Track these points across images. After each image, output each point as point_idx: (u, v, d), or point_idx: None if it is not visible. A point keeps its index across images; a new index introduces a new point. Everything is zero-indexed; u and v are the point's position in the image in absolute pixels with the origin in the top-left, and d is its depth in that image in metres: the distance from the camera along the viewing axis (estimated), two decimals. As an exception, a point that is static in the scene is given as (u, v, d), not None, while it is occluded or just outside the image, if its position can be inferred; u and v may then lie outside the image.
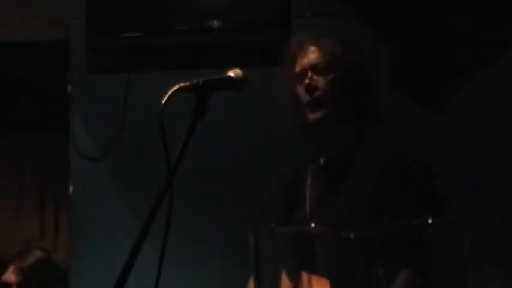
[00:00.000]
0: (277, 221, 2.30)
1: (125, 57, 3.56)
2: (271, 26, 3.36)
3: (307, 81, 2.10)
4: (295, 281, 1.27)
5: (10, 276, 3.20)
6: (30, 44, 3.99)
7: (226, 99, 1.94)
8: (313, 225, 1.30)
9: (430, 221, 1.15)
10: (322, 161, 2.18)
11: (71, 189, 3.57)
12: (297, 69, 2.16)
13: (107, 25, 3.46)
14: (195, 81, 1.69)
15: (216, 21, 3.39)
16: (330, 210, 2.07)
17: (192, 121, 1.66)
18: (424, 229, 1.17)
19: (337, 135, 2.14)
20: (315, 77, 2.11)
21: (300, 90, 2.13)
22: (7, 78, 4.97)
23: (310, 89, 2.09)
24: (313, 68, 2.12)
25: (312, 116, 2.09)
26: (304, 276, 1.28)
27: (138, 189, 3.33)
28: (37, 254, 3.34)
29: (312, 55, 2.13)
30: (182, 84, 1.68)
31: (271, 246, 1.31)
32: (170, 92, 1.64)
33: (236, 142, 3.44)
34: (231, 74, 1.78)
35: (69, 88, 3.60)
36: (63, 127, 3.73)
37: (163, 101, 1.61)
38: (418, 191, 2.03)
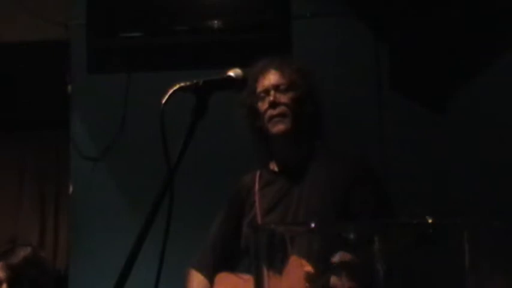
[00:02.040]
0: (222, 223, 2.52)
1: (125, 57, 3.56)
2: (271, 26, 3.36)
3: (271, 98, 2.36)
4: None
5: None
6: (30, 44, 3.99)
7: (226, 99, 1.94)
8: (313, 224, 1.30)
9: (430, 221, 1.15)
10: (276, 167, 2.44)
11: (71, 189, 3.57)
12: (259, 89, 2.41)
13: (107, 25, 3.46)
14: (195, 81, 1.69)
15: (216, 21, 3.39)
16: (285, 213, 2.31)
17: (192, 121, 1.65)
18: (423, 229, 1.17)
19: (294, 144, 2.40)
20: (277, 95, 2.37)
21: (264, 106, 2.39)
22: (7, 78, 4.97)
23: (275, 104, 2.36)
24: (276, 88, 2.38)
25: (276, 128, 2.36)
26: (294, 258, 1.31)
27: (138, 189, 3.33)
28: (25, 251, 3.34)
29: (273, 77, 2.40)
30: (182, 84, 1.68)
31: (267, 244, 1.32)
32: (170, 92, 1.64)
33: (236, 142, 3.44)
34: (231, 73, 1.79)
35: (69, 88, 3.60)
36: (63, 127, 3.73)
37: (163, 101, 1.61)
38: (374, 194, 2.29)
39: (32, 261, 3.31)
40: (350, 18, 3.41)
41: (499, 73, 3.33)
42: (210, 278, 2.41)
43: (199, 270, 2.46)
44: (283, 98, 2.37)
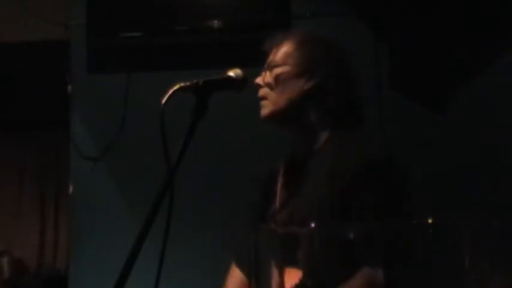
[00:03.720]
0: (253, 213, 2.24)
1: (125, 57, 3.56)
2: (271, 26, 3.36)
3: (256, 79, 2.04)
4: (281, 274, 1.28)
5: None
6: (30, 44, 3.99)
7: (226, 99, 1.94)
8: (313, 225, 1.30)
9: (430, 221, 1.16)
10: (294, 158, 2.11)
11: (71, 189, 3.57)
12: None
13: (107, 25, 3.46)
14: (195, 81, 1.69)
15: (216, 21, 3.39)
16: (291, 207, 2.02)
17: (192, 121, 1.66)
18: (423, 229, 1.17)
19: (295, 133, 2.06)
20: (266, 75, 2.03)
21: None
22: (7, 78, 4.97)
23: (258, 86, 2.03)
24: (268, 66, 2.04)
25: (260, 114, 2.03)
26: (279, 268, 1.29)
27: (138, 189, 3.33)
28: (6, 261, 3.35)
29: (271, 55, 2.06)
30: (182, 84, 1.68)
31: (267, 244, 1.31)
32: (170, 92, 1.64)
33: (236, 142, 3.44)
34: (231, 73, 1.79)
35: (69, 88, 3.60)
36: (63, 127, 3.74)
37: (163, 101, 1.62)
38: (378, 196, 1.89)
39: (16, 267, 3.32)
40: (350, 18, 3.41)
41: (499, 73, 3.33)
42: (248, 272, 2.11)
43: (237, 264, 2.21)
44: (268, 77, 2.01)
